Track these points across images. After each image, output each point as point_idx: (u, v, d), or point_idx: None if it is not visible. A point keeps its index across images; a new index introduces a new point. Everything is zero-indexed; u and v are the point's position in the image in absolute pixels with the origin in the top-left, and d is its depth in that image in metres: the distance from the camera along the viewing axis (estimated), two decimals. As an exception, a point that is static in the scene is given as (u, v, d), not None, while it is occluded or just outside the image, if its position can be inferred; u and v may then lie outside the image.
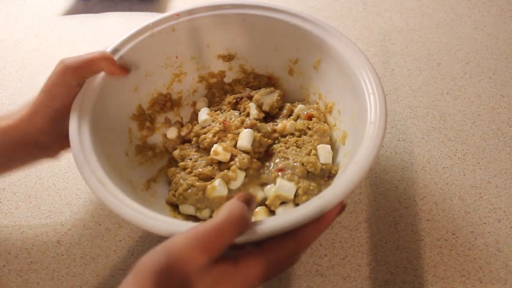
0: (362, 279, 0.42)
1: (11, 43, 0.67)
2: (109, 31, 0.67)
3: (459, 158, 0.49)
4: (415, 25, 0.63)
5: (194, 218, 0.44)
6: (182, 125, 0.51)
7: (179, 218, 0.43)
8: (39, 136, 0.41)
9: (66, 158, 0.52)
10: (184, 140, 0.49)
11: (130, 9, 0.71)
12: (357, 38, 0.62)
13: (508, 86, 0.55)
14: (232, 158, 0.44)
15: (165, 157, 0.49)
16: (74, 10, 0.72)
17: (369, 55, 0.60)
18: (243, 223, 0.29)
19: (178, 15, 0.46)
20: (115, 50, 0.44)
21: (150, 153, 0.47)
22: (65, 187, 0.49)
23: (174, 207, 0.45)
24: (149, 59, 0.46)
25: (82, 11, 0.72)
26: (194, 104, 0.52)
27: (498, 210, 0.45)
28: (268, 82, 0.51)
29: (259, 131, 0.46)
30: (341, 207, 0.33)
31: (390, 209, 0.46)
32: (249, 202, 0.31)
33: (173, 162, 0.48)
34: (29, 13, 0.72)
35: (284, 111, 0.48)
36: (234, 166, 0.43)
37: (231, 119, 0.46)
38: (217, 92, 0.52)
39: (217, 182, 0.42)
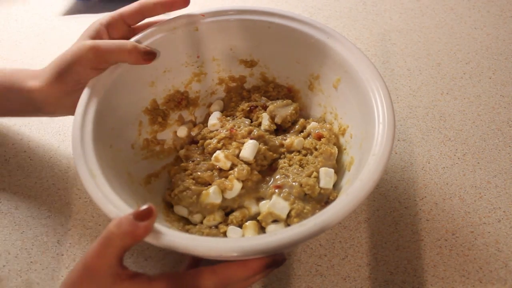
0: (362, 279, 0.42)
1: (11, 43, 0.67)
2: (109, 31, 0.67)
3: (459, 158, 0.49)
4: (415, 25, 0.63)
5: (186, 220, 0.44)
6: (195, 125, 0.50)
7: (171, 217, 0.43)
8: (52, 105, 0.43)
9: (66, 158, 0.52)
10: (193, 141, 0.49)
11: (130, 9, 0.71)
12: (357, 38, 0.62)
13: (508, 86, 0.55)
14: (232, 167, 0.43)
15: (172, 155, 0.48)
16: (74, 10, 0.72)
17: (369, 55, 0.60)
18: (129, 236, 0.31)
19: (203, 15, 0.46)
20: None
21: (158, 149, 0.47)
22: (65, 187, 0.49)
23: (169, 206, 0.44)
24: (169, 56, 0.46)
25: (82, 11, 0.72)
26: (210, 105, 0.51)
27: (498, 210, 0.45)
28: (288, 94, 0.50)
29: (265, 144, 0.45)
30: (274, 259, 0.32)
31: (390, 209, 0.46)
32: (142, 217, 0.32)
33: (179, 160, 0.48)
34: (29, 13, 0.72)
35: (297, 126, 0.47)
36: (232, 175, 0.42)
37: (239, 127, 0.45)
38: (234, 97, 0.51)
39: (212, 189, 0.42)
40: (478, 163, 0.49)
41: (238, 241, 0.33)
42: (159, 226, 0.33)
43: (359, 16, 0.65)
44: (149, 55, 0.43)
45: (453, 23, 0.63)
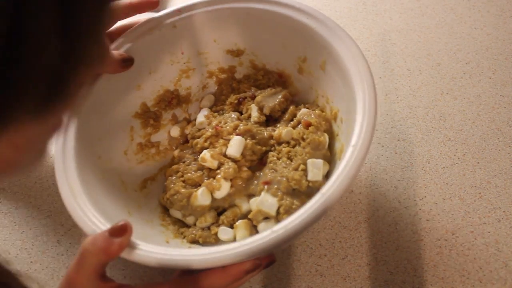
0: (362, 279, 0.42)
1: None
2: (109, 31, 0.67)
3: (459, 158, 0.49)
4: (415, 25, 0.63)
5: (182, 223, 0.43)
6: (189, 122, 0.49)
7: (166, 221, 0.43)
8: None
9: (66, 158, 0.52)
10: (188, 139, 0.48)
11: (130, 9, 0.71)
12: (357, 38, 0.62)
13: (508, 86, 0.55)
14: (220, 165, 0.42)
15: (169, 156, 0.48)
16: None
17: (369, 55, 0.60)
18: (103, 252, 0.32)
19: (179, 10, 0.45)
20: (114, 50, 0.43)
21: (153, 151, 0.47)
22: (65, 187, 0.49)
23: (166, 209, 0.44)
24: (151, 57, 0.45)
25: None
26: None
27: (498, 210, 0.45)
28: (279, 80, 0.48)
29: (253, 137, 0.43)
30: (253, 264, 0.32)
31: (390, 209, 0.46)
32: (117, 234, 0.32)
33: (176, 161, 0.48)
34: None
35: (286, 115, 0.45)
36: (219, 176, 0.42)
37: (226, 123, 0.44)
38: (225, 90, 0.50)
39: (200, 191, 0.41)
40: (478, 163, 0.49)
41: (200, 252, 0.33)
42: (137, 241, 0.33)
43: (359, 16, 0.65)
44: (126, 62, 0.42)
45: (453, 23, 0.63)
